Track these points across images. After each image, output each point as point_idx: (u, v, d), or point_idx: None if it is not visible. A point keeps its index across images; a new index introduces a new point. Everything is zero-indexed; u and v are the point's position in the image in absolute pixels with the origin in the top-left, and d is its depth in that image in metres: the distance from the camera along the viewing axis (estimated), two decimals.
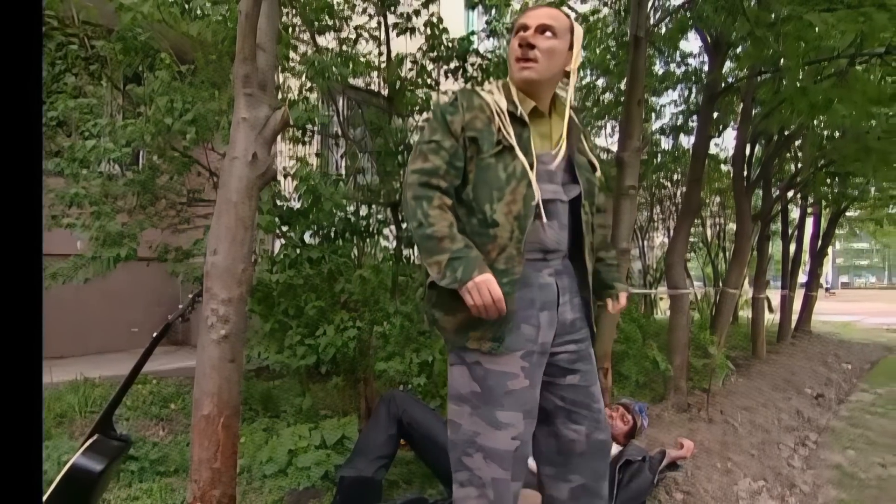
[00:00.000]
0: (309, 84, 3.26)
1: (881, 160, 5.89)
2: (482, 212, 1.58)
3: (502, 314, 1.49)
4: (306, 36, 3.47)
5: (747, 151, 6.37)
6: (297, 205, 2.99)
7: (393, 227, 3.29)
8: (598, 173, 1.75)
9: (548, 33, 1.61)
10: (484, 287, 1.46)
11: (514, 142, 1.59)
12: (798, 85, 4.45)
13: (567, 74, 1.70)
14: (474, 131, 1.59)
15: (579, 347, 1.70)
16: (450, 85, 3.65)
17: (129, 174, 3.26)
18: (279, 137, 3.82)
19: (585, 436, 1.69)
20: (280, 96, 3.50)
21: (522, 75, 1.62)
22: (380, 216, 3.31)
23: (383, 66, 3.43)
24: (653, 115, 6.97)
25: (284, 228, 2.98)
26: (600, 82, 6.11)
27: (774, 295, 9.29)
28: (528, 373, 1.59)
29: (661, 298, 6.90)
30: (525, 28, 1.62)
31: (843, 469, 3.48)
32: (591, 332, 1.75)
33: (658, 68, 6.49)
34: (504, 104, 1.62)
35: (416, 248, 1.42)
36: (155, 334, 2.09)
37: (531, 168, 1.58)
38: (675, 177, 8.02)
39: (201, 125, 2.63)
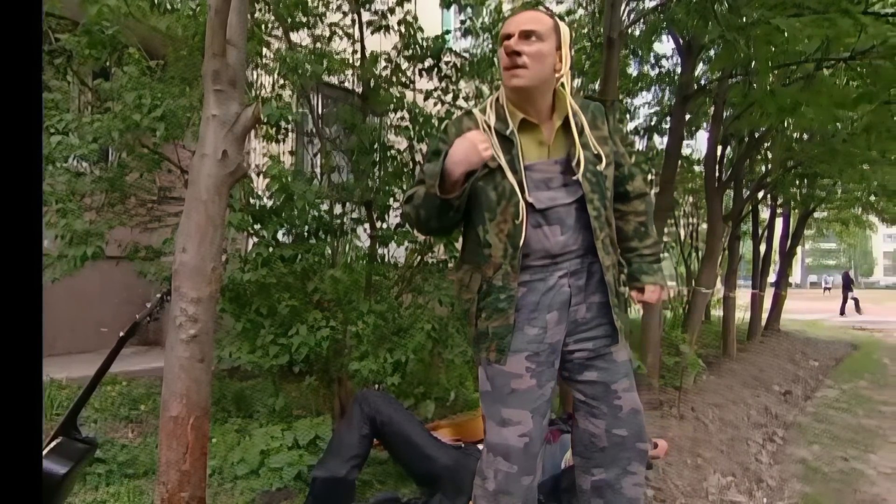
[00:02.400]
0: (282, 81, 3.22)
1: (846, 162, 6.05)
2: (476, 234, 1.68)
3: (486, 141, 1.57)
4: (280, 32, 3.44)
5: (719, 152, 6.49)
6: (269, 203, 2.96)
7: (367, 226, 3.27)
8: (604, 162, 1.71)
9: (532, 38, 1.62)
10: (460, 144, 1.56)
11: (502, 161, 1.64)
12: (767, 88, 4.54)
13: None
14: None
15: (596, 345, 1.73)
16: (424, 84, 3.65)
17: (97, 171, 3.19)
18: (252, 135, 3.79)
19: (605, 431, 1.73)
20: (253, 93, 3.46)
21: (512, 83, 1.64)
22: (354, 215, 3.29)
23: (357, 63, 3.41)
24: (627, 115, 7.04)
25: (257, 227, 2.95)
26: (576, 83, 6.15)
27: (745, 294, 9.48)
28: (533, 373, 1.66)
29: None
30: (509, 36, 1.63)
31: (807, 464, 3.56)
32: (614, 329, 1.74)
33: (632, 70, 6.56)
34: (493, 122, 1.67)
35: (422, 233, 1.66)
36: (122, 334, 2.05)
37: (518, 185, 1.63)
38: (649, 177, 8.13)
39: (171, 122, 2.58)
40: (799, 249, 13.08)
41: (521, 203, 1.62)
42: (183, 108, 2.62)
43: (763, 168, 7.91)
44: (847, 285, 18.97)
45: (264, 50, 3.29)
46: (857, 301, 18.51)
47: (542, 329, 1.66)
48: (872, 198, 9.32)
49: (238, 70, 1.92)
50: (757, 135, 6.37)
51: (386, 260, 3.43)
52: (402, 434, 2.40)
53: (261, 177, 3.01)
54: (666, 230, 8.03)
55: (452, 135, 1.67)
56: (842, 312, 17.81)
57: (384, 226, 3.29)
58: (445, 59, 3.55)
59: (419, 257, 3.45)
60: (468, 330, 1.77)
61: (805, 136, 6.82)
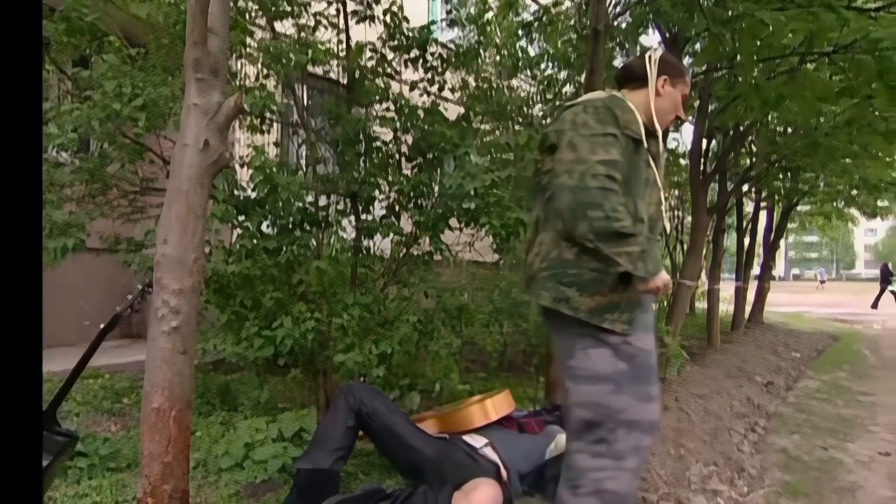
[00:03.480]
0: (265, 71, 3.19)
1: (828, 156, 6.12)
2: (634, 205, 1.76)
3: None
4: (264, 22, 3.39)
5: (704, 145, 6.52)
6: (254, 194, 2.93)
7: (352, 218, 3.25)
8: None
9: None
10: (664, 278, 1.71)
11: (651, 152, 1.85)
12: (752, 82, 4.57)
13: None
14: (631, 132, 1.77)
15: None
16: (410, 74, 3.63)
17: (77, 161, 3.14)
18: (237, 126, 3.75)
19: None
20: (237, 84, 3.42)
21: (685, 117, 2.06)
22: (339, 206, 3.27)
23: (343, 54, 3.38)
24: None
25: (241, 218, 2.92)
26: (562, 75, 6.15)
27: (729, 286, 9.58)
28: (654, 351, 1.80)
29: None
30: (688, 86, 2.01)
31: (788, 453, 3.61)
32: None
33: (619, 62, 6.57)
34: (641, 119, 1.83)
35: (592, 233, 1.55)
36: (102, 326, 2.02)
37: (658, 178, 1.86)
38: None
39: (152, 111, 2.54)
40: (782, 242, 13.22)
41: (662, 193, 1.85)
42: (165, 98, 2.58)
43: (747, 161, 7.98)
44: (885, 278, 17.98)
45: (248, 39, 3.25)
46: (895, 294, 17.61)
47: (652, 315, 1.85)
48: (854, 192, 9.44)
49: (220, 59, 1.89)
50: (741, 128, 6.42)
51: (372, 252, 3.42)
52: (388, 426, 2.40)
53: (245, 168, 2.99)
54: None
55: (620, 119, 1.76)
56: (874, 306, 17.03)
57: (369, 217, 3.28)
58: (431, 49, 3.53)
59: (405, 249, 3.44)
60: (578, 301, 1.70)
61: (789, 130, 6.88)
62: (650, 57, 1.97)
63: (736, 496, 2.93)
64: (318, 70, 3.52)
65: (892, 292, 17.76)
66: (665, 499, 2.82)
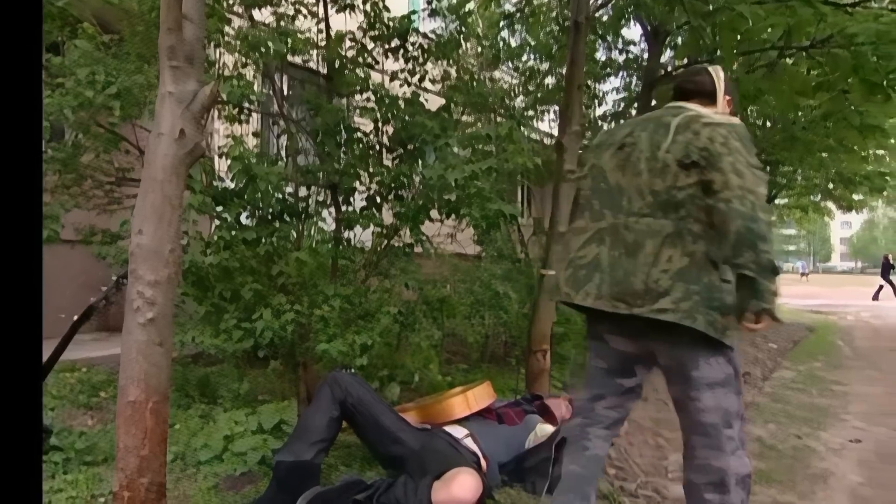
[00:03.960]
0: (243, 60, 3.14)
1: (805, 149, 6.21)
2: None
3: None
4: (242, 10, 3.34)
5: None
6: (232, 185, 2.89)
7: (332, 210, 3.23)
8: None
9: None
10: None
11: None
12: (731, 75, 4.61)
13: None
14: None
15: None
16: (390, 65, 3.60)
17: (51, 151, 3.08)
18: (215, 116, 3.70)
19: None
20: (215, 73, 3.36)
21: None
22: (319, 198, 3.25)
23: (322, 43, 3.34)
24: (595, 101, 7.09)
25: (219, 209, 2.89)
26: (544, 66, 6.16)
27: None
28: None
29: None
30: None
31: (763, 441, 3.68)
32: None
33: (600, 55, 6.60)
34: None
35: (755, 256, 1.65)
36: (76, 318, 1.99)
37: None
38: None
39: (127, 100, 2.50)
40: None
41: None
42: (140, 86, 2.54)
43: None
44: (887, 270, 18.20)
45: (225, 28, 3.20)
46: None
47: None
48: (830, 185, 9.60)
49: (195, 46, 1.86)
50: None
51: (353, 244, 3.40)
52: (373, 416, 2.39)
53: (223, 158, 2.95)
54: None
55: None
56: (875, 297, 17.24)
57: (350, 209, 3.26)
58: (412, 39, 3.51)
59: (385, 241, 3.43)
60: (720, 322, 1.73)
61: (767, 124, 6.97)
62: (717, 73, 2.00)
63: None
64: (298, 60, 3.48)
65: (892, 284, 17.96)
66: (643, 487, 2.86)
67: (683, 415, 1.88)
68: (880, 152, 8.28)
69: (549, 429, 2.71)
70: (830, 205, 11.84)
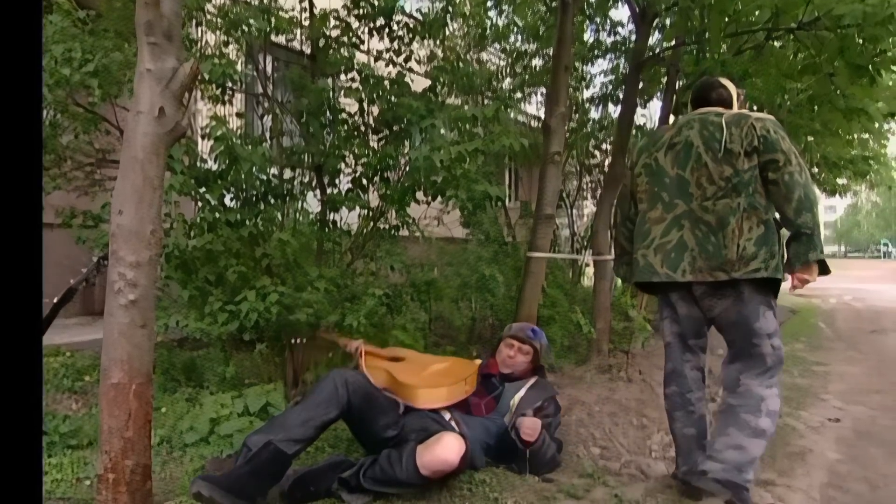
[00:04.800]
0: (225, 38, 3.08)
1: (792, 133, 6.22)
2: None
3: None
4: None
5: (672, 121, 6.56)
6: (215, 166, 2.86)
7: (318, 192, 3.21)
8: None
9: None
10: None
11: None
12: (718, 57, 4.61)
13: None
14: None
15: None
16: (375, 44, 3.55)
17: None
18: (198, 96, 3.63)
19: None
20: (198, 52, 3.30)
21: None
22: (304, 179, 3.22)
23: (306, 22, 3.29)
24: (582, 83, 7.06)
25: (202, 191, 2.85)
26: (532, 47, 6.11)
27: None
28: None
29: (586, 265, 7.13)
30: None
31: None
32: None
33: (588, 36, 6.56)
34: None
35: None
36: (56, 300, 1.97)
37: None
38: (605, 146, 8.20)
39: (105, 78, 2.45)
40: None
41: None
42: (119, 64, 2.48)
43: None
44: None
45: (207, 5, 3.14)
46: None
47: None
48: (815, 169, 9.67)
49: (173, 22, 1.83)
50: None
51: (339, 226, 3.38)
52: (373, 415, 2.35)
53: (206, 140, 2.91)
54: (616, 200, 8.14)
55: None
56: None
57: (335, 191, 3.23)
58: (397, 18, 3.46)
59: (372, 223, 3.41)
60: (778, 265, 2.22)
61: (755, 108, 6.98)
62: (730, 85, 2.48)
63: None
64: (282, 39, 3.43)
65: None
66: (627, 466, 2.89)
67: (736, 353, 2.36)
68: (864, 136, 8.34)
69: (519, 397, 2.68)
70: (815, 189, 11.93)
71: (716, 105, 2.41)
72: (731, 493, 2.14)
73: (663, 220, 2.34)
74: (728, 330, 2.36)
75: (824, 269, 2.22)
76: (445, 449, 2.09)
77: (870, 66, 3.75)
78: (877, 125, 6.91)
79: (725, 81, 2.48)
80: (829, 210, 64.84)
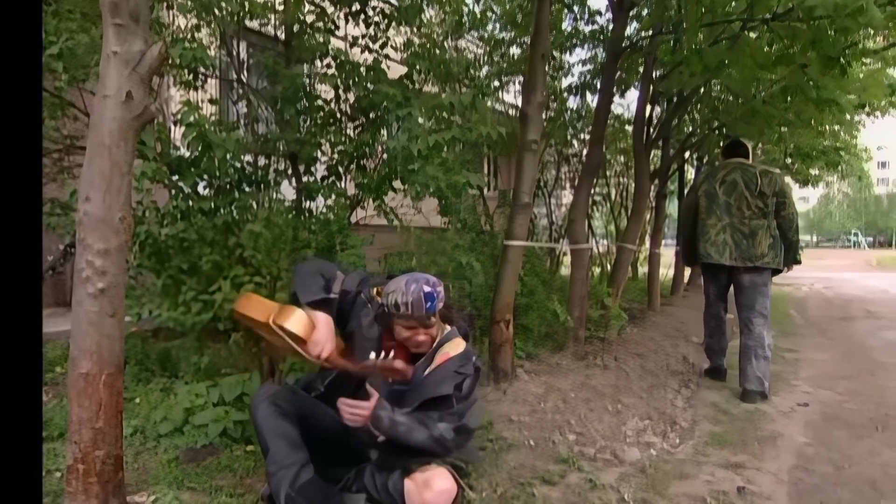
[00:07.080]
0: (197, 22, 3.02)
1: (766, 123, 6.32)
2: None
3: None
4: None
5: (649, 111, 6.61)
6: (187, 153, 2.80)
7: (293, 180, 3.17)
8: None
9: None
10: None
11: None
12: (694, 47, 4.64)
13: None
14: None
15: None
16: (350, 30, 3.51)
17: None
18: (170, 82, 3.56)
19: None
20: (169, 36, 3.23)
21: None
22: (279, 167, 3.18)
23: (281, 7, 3.23)
24: (560, 73, 7.07)
25: (174, 178, 2.79)
26: (509, 35, 6.09)
27: (671, 251, 9.90)
28: None
29: (564, 254, 7.17)
30: None
31: (718, 406, 3.81)
32: None
33: (566, 25, 6.56)
34: None
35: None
36: None
37: None
38: (583, 135, 8.23)
39: (70, 61, 2.38)
40: None
41: None
42: (85, 47, 2.41)
43: (689, 128, 8.16)
44: None
45: None
46: None
47: None
48: (788, 160, 9.82)
49: (140, 3, 1.78)
50: (685, 94, 6.54)
51: (315, 214, 3.34)
52: (319, 424, 2.16)
53: (178, 126, 2.85)
54: (595, 189, 8.20)
55: None
56: None
57: (311, 179, 3.19)
58: (373, 4, 3.41)
59: (350, 212, 3.38)
60: (779, 259, 4.13)
61: (730, 98, 7.05)
62: (749, 144, 4.36)
63: (668, 447, 3.07)
64: (256, 24, 3.37)
65: None
66: (601, 451, 2.93)
67: (747, 308, 4.09)
68: (836, 127, 8.49)
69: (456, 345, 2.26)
70: (788, 179, 12.12)
71: (743, 156, 4.22)
72: (759, 396, 3.92)
73: (716, 226, 4.10)
74: (746, 293, 4.10)
75: (797, 261, 4.23)
76: (439, 496, 1.95)
77: (840, 58, 3.80)
78: (847, 116, 7.04)
79: (746, 141, 4.38)
80: (802, 200, 66.04)
